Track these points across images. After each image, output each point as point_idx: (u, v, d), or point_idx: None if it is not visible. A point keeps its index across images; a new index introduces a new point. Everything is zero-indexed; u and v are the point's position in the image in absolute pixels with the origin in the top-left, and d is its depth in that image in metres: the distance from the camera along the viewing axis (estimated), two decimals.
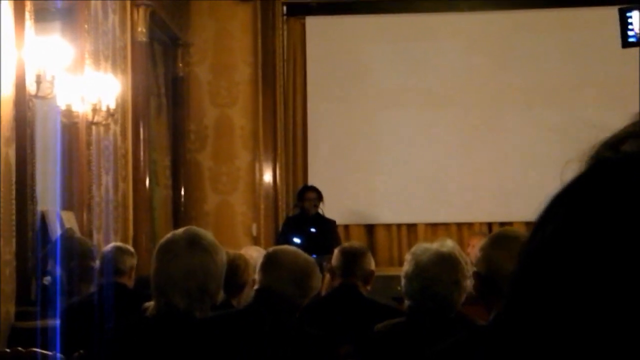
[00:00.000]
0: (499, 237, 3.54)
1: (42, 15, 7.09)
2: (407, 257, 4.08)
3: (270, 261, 3.95)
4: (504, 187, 11.48)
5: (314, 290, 4.03)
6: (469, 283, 3.94)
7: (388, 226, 11.67)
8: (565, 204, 0.72)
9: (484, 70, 11.65)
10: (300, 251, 4.13)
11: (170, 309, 3.44)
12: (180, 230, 3.61)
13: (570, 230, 0.68)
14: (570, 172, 1.02)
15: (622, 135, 1.04)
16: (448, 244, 4.02)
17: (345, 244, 5.81)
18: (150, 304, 3.57)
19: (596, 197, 0.69)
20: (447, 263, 3.90)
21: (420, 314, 3.92)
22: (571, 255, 0.67)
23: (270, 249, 4.31)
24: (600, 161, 0.74)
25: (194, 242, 3.47)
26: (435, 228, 11.60)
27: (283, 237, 9.95)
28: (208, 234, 3.59)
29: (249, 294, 5.42)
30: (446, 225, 11.64)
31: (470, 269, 3.94)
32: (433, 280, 3.88)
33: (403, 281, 4.02)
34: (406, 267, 4.00)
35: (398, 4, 11.74)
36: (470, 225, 11.57)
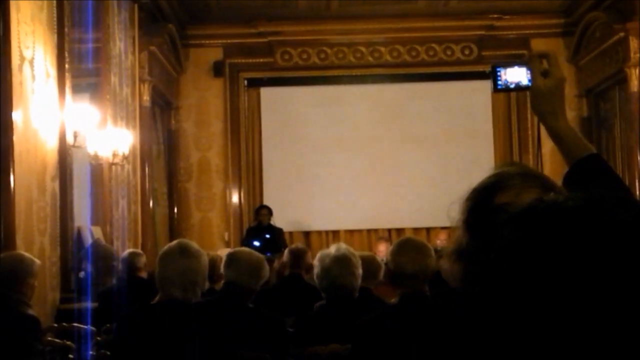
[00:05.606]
0: (401, 246, 3.42)
1: (77, 89, 6.89)
2: (315, 262, 3.94)
3: (230, 260, 3.78)
4: (398, 202, 11.16)
5: (264, 279, 3.81)
6: (360, 271, 3.85)
7: (319, 232, 11.38)
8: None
9: (383, 124, 11.34)
10: (252, 251, 3.93)
11: (171, 299, 3.36)
12: (174, 242, 3.51)
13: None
14: (453, 211, 1.13)
15: (489, 187, 1.13)
16: (342, 247, 3.90)
17: (293, 246, 5.66)
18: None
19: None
20: (343, 262, 3.81)
21: (335, 299, 3.86)
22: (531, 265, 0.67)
23: (232, 250, 4.17)
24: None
25: (184, 251, 3.38)
26: (351, 233, 11.27)
27: (246, 241, 9.74)
28: (194, 244, 3.49)
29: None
30: (359, 231, 11.32)
31: (358, 262, 3.86)
32: (336, 277, 3.80)
33: (316, 280, 3.90)
34: (316, 270, 3.87)
35: (325, 79, 11.33)
36: (375, 231, 11.24)
